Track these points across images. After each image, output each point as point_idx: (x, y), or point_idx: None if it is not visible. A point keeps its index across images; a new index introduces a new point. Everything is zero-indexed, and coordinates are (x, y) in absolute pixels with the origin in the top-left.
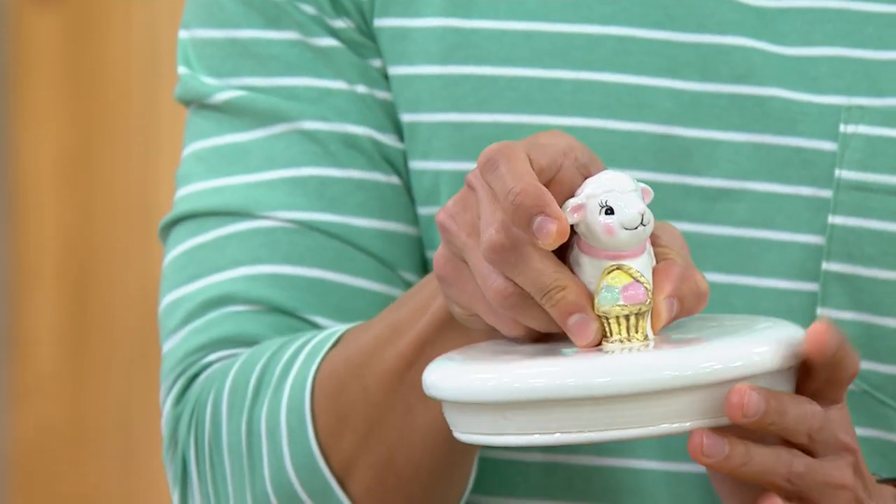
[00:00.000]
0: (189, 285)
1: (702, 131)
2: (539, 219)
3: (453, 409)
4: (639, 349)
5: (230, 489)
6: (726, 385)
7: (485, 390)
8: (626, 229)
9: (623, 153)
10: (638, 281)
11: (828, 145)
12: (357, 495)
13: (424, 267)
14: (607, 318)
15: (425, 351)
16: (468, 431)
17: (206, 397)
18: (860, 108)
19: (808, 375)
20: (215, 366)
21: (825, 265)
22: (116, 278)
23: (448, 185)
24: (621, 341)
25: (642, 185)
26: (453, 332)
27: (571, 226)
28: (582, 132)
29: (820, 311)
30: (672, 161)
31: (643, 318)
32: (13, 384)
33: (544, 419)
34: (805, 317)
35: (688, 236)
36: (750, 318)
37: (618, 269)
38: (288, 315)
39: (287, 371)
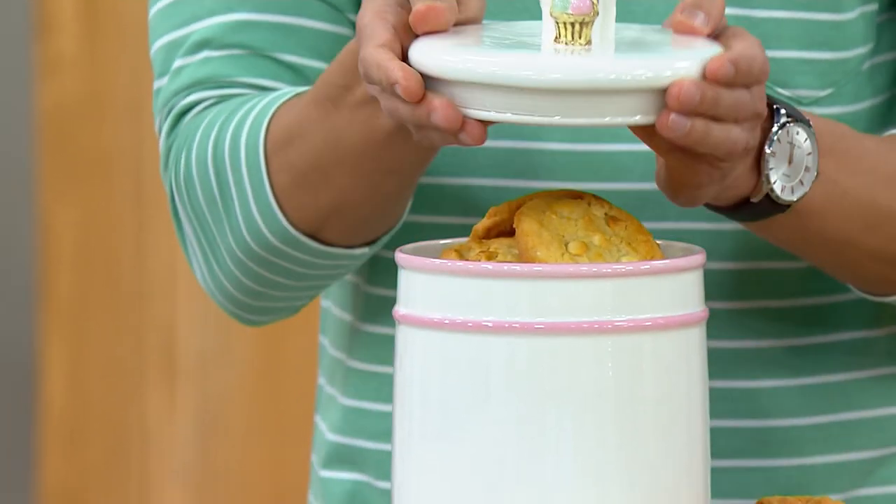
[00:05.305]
0: (173, 33)
1: None
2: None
3: (441, 85)
4: (579, 53)
5: (213, 228)
6: (655, 91)
7: (456, 70)
8: None
9: None
10: None
11: None
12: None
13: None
14: (557, 23)
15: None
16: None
17: (181, 152)
18: None
19: None
20: (195, 110)
21: None
22: None
23: None
24: (566, 43)
25: None
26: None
27: None
28: None
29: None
30: None
31: (587, 27)
32: (39, 63)
33: (503, 101)
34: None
35: None
36: (693, 39)
37: None
38: (258, 55)
39: (239, 133)
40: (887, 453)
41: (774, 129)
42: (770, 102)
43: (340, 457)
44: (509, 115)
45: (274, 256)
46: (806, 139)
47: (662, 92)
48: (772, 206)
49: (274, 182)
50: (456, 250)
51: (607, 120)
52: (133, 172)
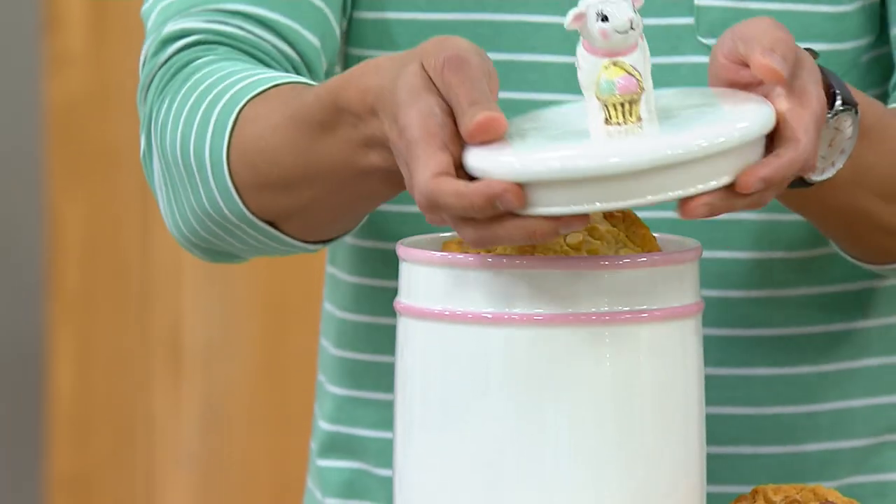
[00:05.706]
0: None
1: None
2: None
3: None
4: (634, 132)
5: (178, 182)
6: (724, 153)
7: (514, 171)
8: (619, 33)
9: None
10: (630, 74)
11: None
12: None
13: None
14: (606, 105)
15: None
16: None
17: (163, 97)
18: None
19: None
20: (181, 42)
21: None
22: None
23: None
24: (619, 124)
25: None
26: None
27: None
28: None
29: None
30: None
31: (636, 104)
32: (47, 59)
33: (585, 194)
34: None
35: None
36: (721, 93)
37: (613, 64)
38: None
39: (207, 120)
40: (880, 442)
41: (828, 115)
42: (828, 84)
43: (335, 445)
44: (575, 206)
45: (231, 226)
46: (850, 125)
47: (734, 152)
48: (798, 181)
49: (235, 177)
50: (457, 243)
51: (697, 188)
52: (139, 167)
